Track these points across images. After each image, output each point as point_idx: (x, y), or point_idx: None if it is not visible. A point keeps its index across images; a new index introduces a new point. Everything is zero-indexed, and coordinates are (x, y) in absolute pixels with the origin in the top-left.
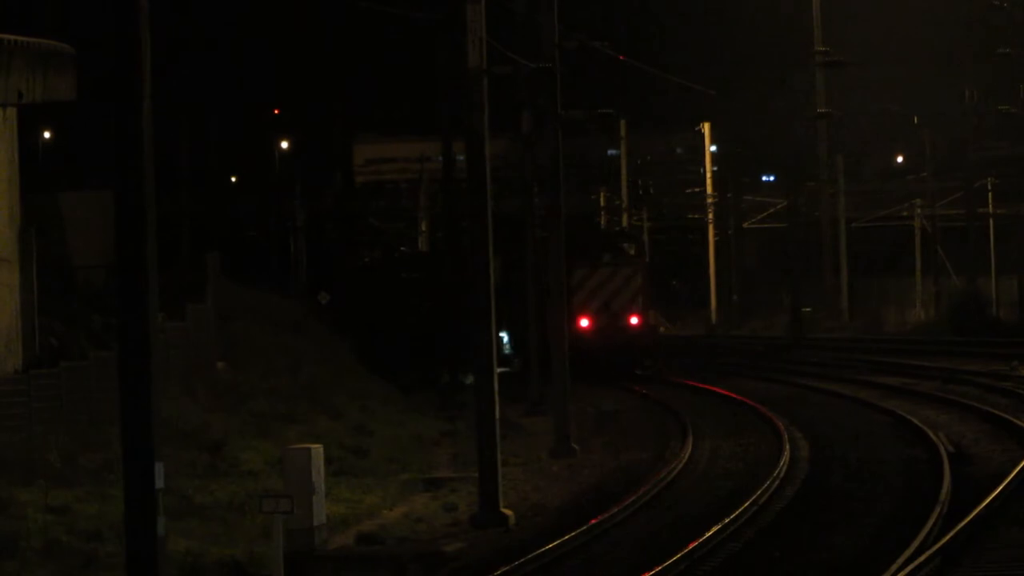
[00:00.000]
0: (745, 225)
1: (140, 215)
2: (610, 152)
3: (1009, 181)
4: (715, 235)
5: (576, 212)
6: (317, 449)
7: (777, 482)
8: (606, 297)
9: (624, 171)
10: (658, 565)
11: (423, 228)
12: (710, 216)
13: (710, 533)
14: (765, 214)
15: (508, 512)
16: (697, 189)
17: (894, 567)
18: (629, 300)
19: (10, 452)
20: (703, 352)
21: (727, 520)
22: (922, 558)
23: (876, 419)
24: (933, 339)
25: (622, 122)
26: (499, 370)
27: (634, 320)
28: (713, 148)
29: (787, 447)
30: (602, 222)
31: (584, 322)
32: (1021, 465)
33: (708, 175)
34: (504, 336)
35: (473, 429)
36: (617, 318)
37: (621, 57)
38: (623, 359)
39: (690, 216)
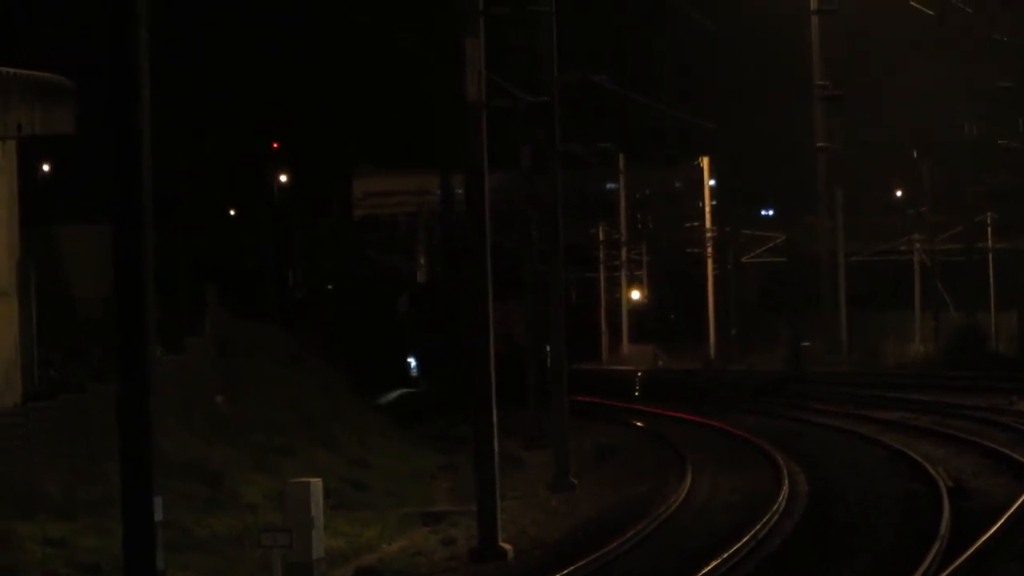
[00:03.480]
0: (744, 259)
1: (139, 254)
2: (609, 185)
3: (1008, 215)
4: (714, 269)
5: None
6: (317, 483)
7: (776, 516)
8: (508, 326)
9: (623, 205)
10: None
11: (421, 262)
12: (709, 250)
13: (710, 567)
14: (764, 248)
15: (507, 546)
16: (696, 223)
17: None
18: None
19: (9, 485)
20: (701, 386)
21: (727, 554)
22: None
23: (875, 453)
24: (932, 373)
25: (620, 156)
26: (406, 391)
27: None
28: (712, 182)
29: (786, 481)
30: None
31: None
32: (1021, 500)
33: (707, 209)
34: (412, 361)
35: (471, 463)
36: (512, 341)
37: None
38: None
39: (689, 250)
